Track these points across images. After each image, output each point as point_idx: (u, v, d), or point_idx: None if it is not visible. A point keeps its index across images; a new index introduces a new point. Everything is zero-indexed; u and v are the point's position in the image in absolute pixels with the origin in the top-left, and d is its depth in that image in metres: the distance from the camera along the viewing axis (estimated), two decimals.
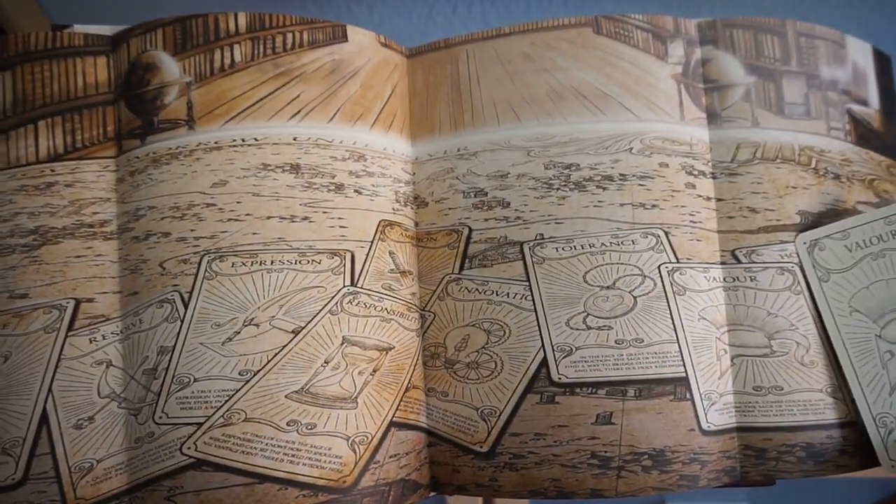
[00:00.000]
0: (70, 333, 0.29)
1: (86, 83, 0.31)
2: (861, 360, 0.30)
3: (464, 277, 0.32)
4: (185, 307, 0.28)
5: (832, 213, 0.31)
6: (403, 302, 0.31)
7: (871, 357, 0.30)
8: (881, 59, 0.35)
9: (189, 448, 0.27)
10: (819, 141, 0.32)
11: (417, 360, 0.31)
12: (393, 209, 0.32)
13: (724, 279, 0.31)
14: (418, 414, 0.31)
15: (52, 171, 0.30)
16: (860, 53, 0.34)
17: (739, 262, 0.31)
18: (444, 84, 0.33)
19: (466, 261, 0.32)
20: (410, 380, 0.31)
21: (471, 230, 0.32)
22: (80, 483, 0.28)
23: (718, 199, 0.31)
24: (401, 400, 0.30)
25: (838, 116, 0.33)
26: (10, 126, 0.31)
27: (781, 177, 0.31)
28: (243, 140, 0.30)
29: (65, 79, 0.31)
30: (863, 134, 0.33)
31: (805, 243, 0.30)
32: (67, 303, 0.29)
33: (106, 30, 0.32)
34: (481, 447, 0.30)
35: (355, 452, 0.28)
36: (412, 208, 0.33)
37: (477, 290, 0.31)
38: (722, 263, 0.31)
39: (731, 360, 0.30)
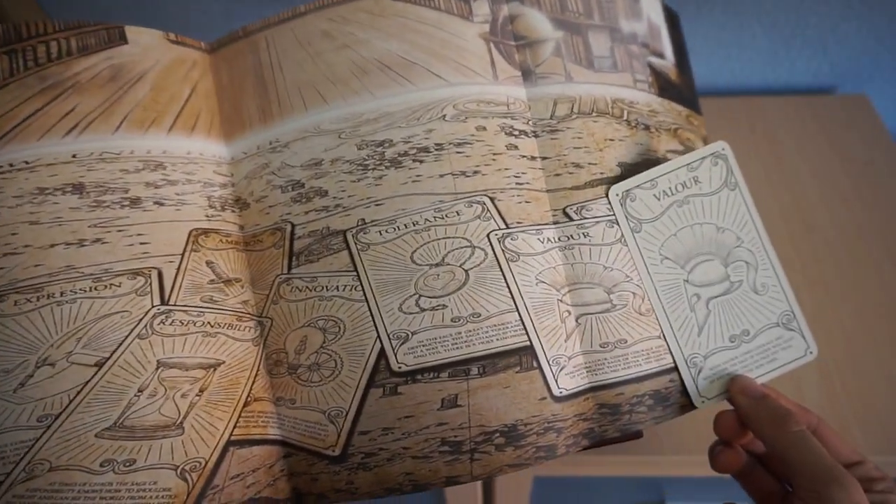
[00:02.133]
0: None
1: None
2: (672, 306, 0.29)
3: (293, 276, 0.30)
4: None
5: (646, 164, 0.30)
6: (231, 312, 0.29)
7: (682, 301, 0.29)
8: (671, 15, 0.35)
9: None
10: (628, 93, 0.31)
11: (258, 370, 0.30)
12: (207, 216, 0.30)
13: (559, 238, 0.30)
14: (265, 427, 0.29)
15: None
16: (652, 8, 0.34)
17: (571, 219, 0.30)
18: (247, 76, 0.31)
19: (294, 259, 0.30)
20: (250, 392, 0.29)
21: (293, 226, 0.30)
22: None
23: (543, 158, 0.30)
24: (239, 416, 0.28)
25: (641, 69, 0.32)
26: None
27: (599, 130, 0.30)
28: (11, 165, 0.27)
29: None
30: (663, 85, 0.33)
31: (617, 195, 0.29)
32: None
33: None
34: (333, 451, 0.29)
35: (187, 481, 0.26)
36: (233, 212, 0.31)
37: (307, 287, 0.30)
38: (554, 223, 0.30)
39: (576, 320, 0.30)
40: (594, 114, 0.31)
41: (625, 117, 0.31)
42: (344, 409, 0.29)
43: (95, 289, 0.27)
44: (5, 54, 0.27)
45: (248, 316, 0.30)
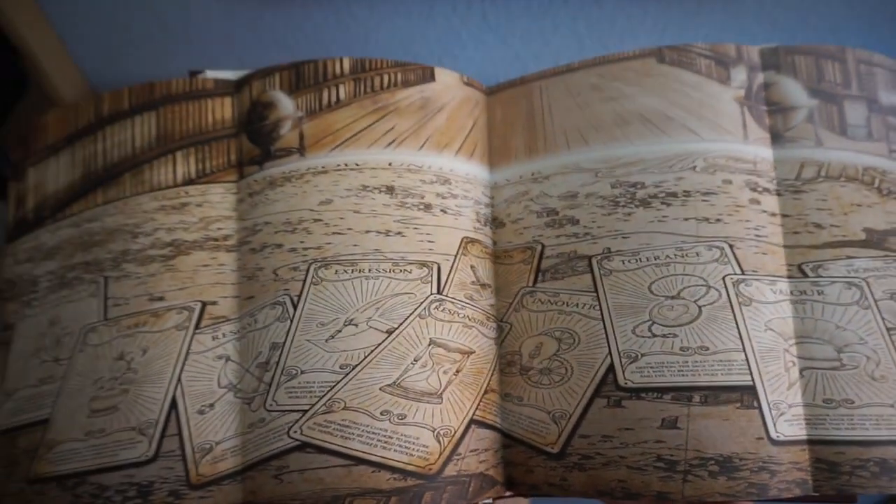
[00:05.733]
0: (196, 331, 0.34)
1: (214, 120, 0.37)
2: None
3: (537, 290, 0.34)
4: (295, 308, 0.33)
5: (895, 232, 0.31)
6: (482, 311, 0.34)
7: None
8: None
9: (295, 432, 0.31)
10: (881, 162, 0.33)
11: (495, 366, 0.34)
12: (474, 228, 0.35)
13: (791, 292, 0.32)
14: (495, 416, 0.34)
15: (186, 193, 0.36)
16: None
17: (806, 275, 0.32)
18: (519, 116, 0.37)
19: (540, 275, 0.34)
20: (489, 383, 0.34)
21: (543, 247, 0.35)
22: (202, 462, 0.32)
23: (783, 215, 0.33)
24: (480, 400, 0.33)
25: None
26: (154, 156, 0.37)
27: (846, 195, 0.32)
28: (346, 165, 0.34)
29: (197, 117, 0.37)
30: None
31: None
32: (195, 305, 0.34)
33: (230, 75, 0.38)
34: (552, 448, 0.32)
35: (440, 443, 0.31)
36: (491, 228, 0.36)
37: (549, 301, 0.34)
38: (788, 277, 0.32)
39: (800, 372, 0.31)
40: (842, 178, 0.33)
41: (876, 185, 0.33)
42: (568, 412, 0.32)
43: (393, 271, 0.33)
44: (353, 80, 0.35)
45: (493, 318, 0.35)
